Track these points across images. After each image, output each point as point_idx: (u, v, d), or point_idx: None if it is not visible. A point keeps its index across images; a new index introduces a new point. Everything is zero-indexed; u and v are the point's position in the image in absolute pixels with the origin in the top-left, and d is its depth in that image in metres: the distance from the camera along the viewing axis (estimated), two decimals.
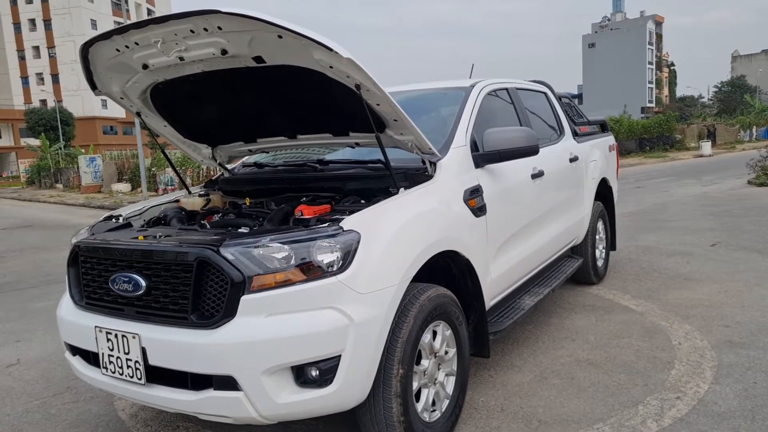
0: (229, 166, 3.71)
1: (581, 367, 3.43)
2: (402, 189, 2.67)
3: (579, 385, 3.21)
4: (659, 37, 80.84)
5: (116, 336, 2.32)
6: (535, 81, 4.82)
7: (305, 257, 2.16)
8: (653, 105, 73.75)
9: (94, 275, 2.50)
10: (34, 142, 38.50)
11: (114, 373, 2.37)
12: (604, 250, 5.33)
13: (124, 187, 23.23)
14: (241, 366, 2.09)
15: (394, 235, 2.38)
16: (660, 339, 3.81)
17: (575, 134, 4.85)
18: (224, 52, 2.42)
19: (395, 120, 2.68)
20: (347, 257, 2.20)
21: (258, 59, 2.45)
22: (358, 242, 2.24)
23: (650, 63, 75.50)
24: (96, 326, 2.39)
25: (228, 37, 2.34)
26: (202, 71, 2.64)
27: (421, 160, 2.92)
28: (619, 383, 3.20)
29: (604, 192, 5.40)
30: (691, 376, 3.23)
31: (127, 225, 2.94)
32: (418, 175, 2.85)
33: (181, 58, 2.53)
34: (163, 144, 3.68)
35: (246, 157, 3.85)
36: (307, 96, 2.75)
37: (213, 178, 3.62)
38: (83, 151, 32.47)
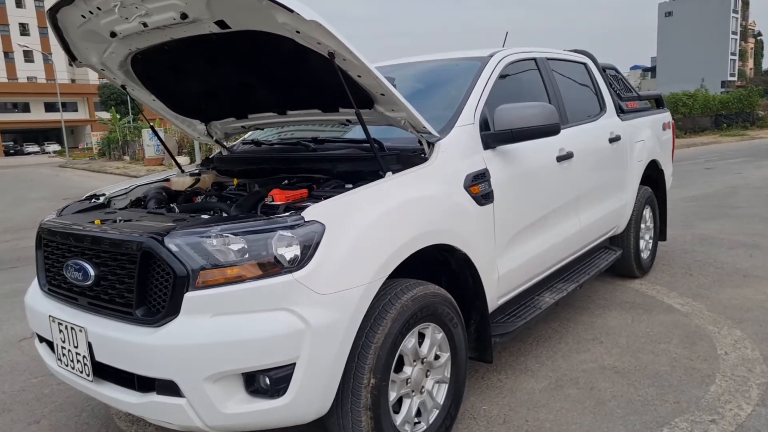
0: (229, 144, 3.49)
1: (604, 376, 3.04)
2: (390, 173, 2.35)
3: (598, 397, 2.83)
4: (745, 4, 74.53)
5: (66, 328, 2.17)
6: (575, 51, 4.33)
7: (258, 251, 1.91)
8: (735, 78, 68.48)
9: (54, 260, 2.35)
10: (106, 115, 40.16)
11: (67, 366, 2.22)
12: (651, 241, 4.80)
13: (183, 160, 23.78)
14: (183, 371, 1.87)
15: (367, 226, 2.08)
16: (703, 346, 3.34)
17: (620, 111, 4.34)
18: (184, 16, 2.17)
19: (382, 94, 2.36)
20: (306, 252, 1.93)
21: (221, 24, 2.18)
22: (322, 235, 1.96)
23: (734, 33, 69.89)
24: (50, 315, 2.25)
25: None
26: (170, 39, 2.40)
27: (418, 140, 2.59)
28: (645, 398, 2.80)
29: (654, 175, 4.86)
30: (732, 394, 2.78)
31: (102, 206, 2.78)
32: (412, 158, 2.52)
33: (145, 24, 2.30)
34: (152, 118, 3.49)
35: (249, 134, 3.63)
36: (287, 67, 2.47)
37: (209, 156, 3.42)
38: (152, 124, 33.59)
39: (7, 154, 57.78)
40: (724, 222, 6.75)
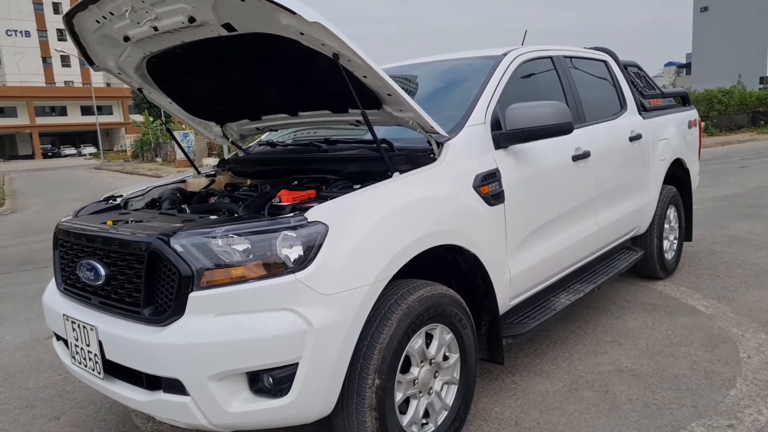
0: (246, 145, 3.54)
1: (621, 379, 2.98)
2: (397, 173, 2.35)
3: (613, 400, 2.78)
4: None
5: (79, 326, 2.22)
6: (596, 48, 4.25)
7: (263, 251, 1.92)
8: None
9: (69, 260, 2.42)
10: (139, 118, 41.10)
11: (80, 363, 2.28)
12: (675, 241, 4.68)
13: (213, 161, 24.16)
14: (187, 369, 1.90)
15: (371, 227, 2.08)
16: (725, 349, 3.25)
17: (642, 109, 4.24)
18: (192, 19, 2.21)
19: (389, 95, 2.36)
20: (309, 253, 1.94)
21: (228, 27, 2.21)
22: (325, 235, 1.97)
23: None
24: (64, 314, 2.31)
25: (192, 2, 2.13)
26: (181, 42, 2.45)
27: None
28: (661, 402, 2.73)
29: (679, 174, 4.74)
30: (753, 399, 2.69)
31: (119, 207, 2.84)
32: (421, 158, 2.51)
33: (156, 28, 2.35)
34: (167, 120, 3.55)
35: (265, 135, 3.67)
36: (296, 69, 2.49)
37: (226, 158, 3.47)
38: (183, 127, 34.32)
39: (45, 156, 59.69)
40: (755, 222, 6.54)
